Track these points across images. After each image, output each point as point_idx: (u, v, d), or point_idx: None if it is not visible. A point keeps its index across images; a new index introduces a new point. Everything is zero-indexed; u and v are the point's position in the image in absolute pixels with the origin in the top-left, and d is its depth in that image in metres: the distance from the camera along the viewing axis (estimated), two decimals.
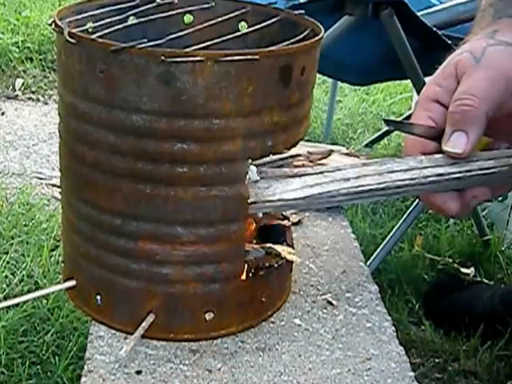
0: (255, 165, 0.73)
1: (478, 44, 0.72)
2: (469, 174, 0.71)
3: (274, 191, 0.72)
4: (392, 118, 2.50)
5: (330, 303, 0.89)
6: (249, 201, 0.73)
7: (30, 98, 2.51)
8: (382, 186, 0.71)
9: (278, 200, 0.72)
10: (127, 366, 0.76)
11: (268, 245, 0.83)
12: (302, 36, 0.80)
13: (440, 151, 0.71)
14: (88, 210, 0.79)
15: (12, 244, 1.53)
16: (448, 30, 1.52)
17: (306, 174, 0.72)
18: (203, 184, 0.74)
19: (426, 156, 0.71)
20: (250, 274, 0.81)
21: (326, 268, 0.96)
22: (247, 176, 0.73)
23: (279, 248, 0.83)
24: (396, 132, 2.19)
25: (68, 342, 1.26)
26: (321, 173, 0.71)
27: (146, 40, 0.71)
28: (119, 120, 0.73)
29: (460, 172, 0.71)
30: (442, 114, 0.70)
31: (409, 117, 2.13)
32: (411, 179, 0.70)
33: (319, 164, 0.79)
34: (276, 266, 0.83)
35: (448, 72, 0.71)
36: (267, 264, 0.82)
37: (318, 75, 0.96)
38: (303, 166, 0.81)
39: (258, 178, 0.72)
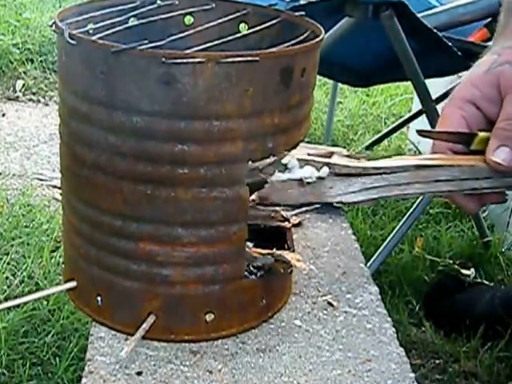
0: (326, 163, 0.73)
1: None
2: (497, 189, 0.77)
3: (336, 192, 0.74)
4: (392, 119, 2.50)
5: (331, 304, 0.89)
6: (312, 200, 0.74)
7: (30, 100, 2.51)
8: (424, 192, 0.76)
9: (337, 202, 0.75)
10: (128, 367, 0.76)
11: (278, 252, 0.83)
12: (302, 37, 0.80)
13: (466, 152, 0.76)
14: (88, 211, 0.79)
15: (13, 245, 1.54)
16: (448, 32, 1.52)
17: (367, 174, 0.74)
18: (204, 185, 0.74)
19: (470, 166, 0.76)
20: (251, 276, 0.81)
21: (327, 269, 0.96)
22: (319, 172, 0.72)
23: (288, 256, 0.83)
24: (396, 134, 2.19)
25: (68, 343, 1.26)
26: (380, 174, 0.74)
27: (146, 41, 0.71)
28: (120, 121, 0.73)
29: (490, 188, 0.76)
30: (476, 117, 0.75)
31: (410, 118, 2.13)
32: (449, 191, 0.76)
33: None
34: (282, 271, 0.83)
35: (489, 80, 0.75)
36: (271, 268, 0.82)
37: (319, 77, 0.97)
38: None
39: (326, 176, 0.73)
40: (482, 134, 0.74)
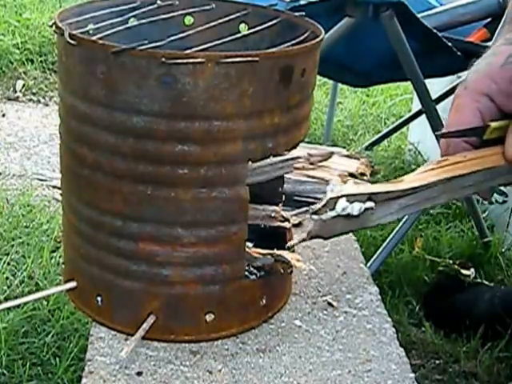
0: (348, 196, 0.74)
1: None
2: (510, 184, 0.79)
3: (376, 217, 0.75)
4: (392, 119, 2.51)
5: (331, 305, 0.89)
6: (355, 227, 0.75)
7: (30, 100, 2.51)
8: (449, 199, 0.78)
9: (376, 225, 0.76)
10: (128, 368, 0.76)
11: (278, 252, 0.83)
12: (302, 38, 0.80)
13: (479, 145, 0.77)
14: (88, 212, 0.79)
15: (13, 245, 1.54)
16: (448, 32, 1.52)
17: (404, 195, 0.75)
18: (204, 185, 0.74)
19: (490, 168, 0.77)
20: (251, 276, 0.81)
21: (327, 269, 0.96)
22: (365, 205, 0.73)
23: (288, 256, 0.83)
24: (396, 134, 2.19)
25: (68, 343, 1.26)
26: (415, 193, 0.75)
27: (146, 41, 0.71)
28: (120, 121, 0.73)
29: (504, 184, 0.78)
30: (490, 110, 0.76)
31: (410, 118, 2.12)
32: (471, 193, 0.78)
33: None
34: (282, 271, 0.83)
35: (508, 76, 0.76)
36: (271, 268, 0.82)
37: (319, 77, 0.96)
38: (303, 168, 0.81)
39: (373, 207, 0.74)
40: (493, 125, 0.77)
